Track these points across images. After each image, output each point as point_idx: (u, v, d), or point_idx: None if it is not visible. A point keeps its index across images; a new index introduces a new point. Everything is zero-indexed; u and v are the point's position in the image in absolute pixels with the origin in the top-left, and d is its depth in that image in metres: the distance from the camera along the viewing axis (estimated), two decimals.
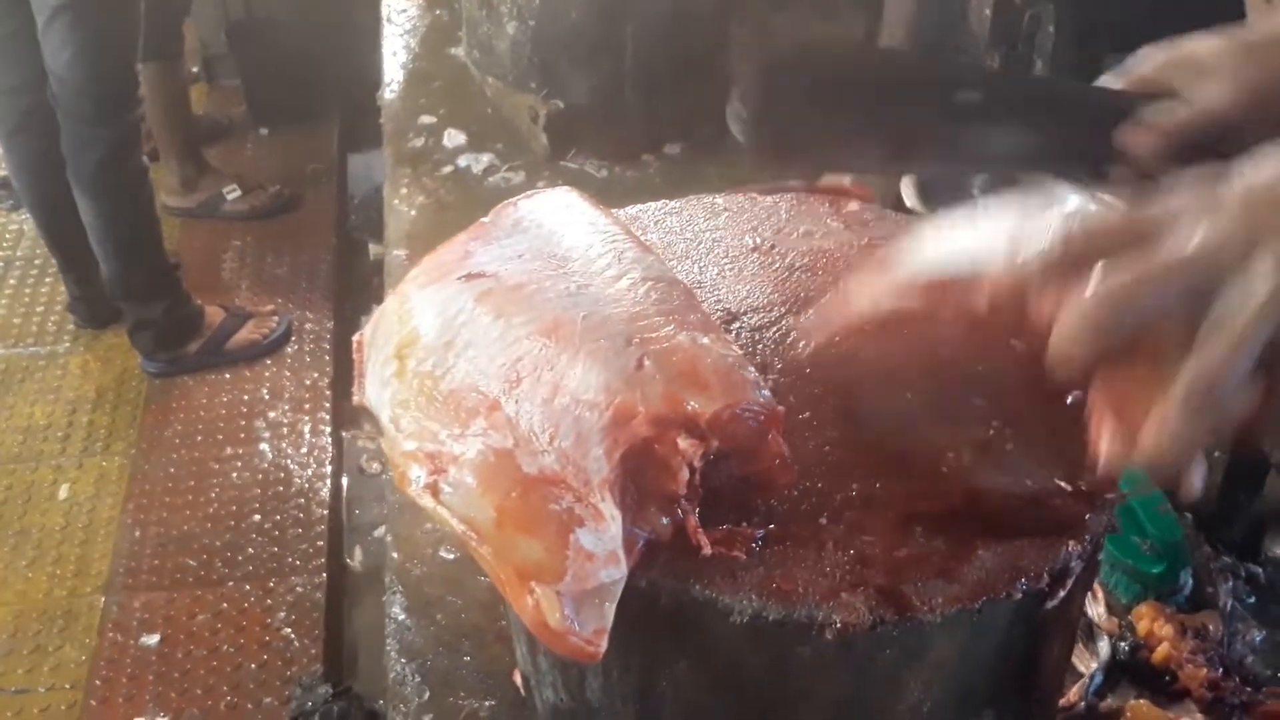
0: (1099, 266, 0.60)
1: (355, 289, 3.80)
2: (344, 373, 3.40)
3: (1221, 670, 1.18)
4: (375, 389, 0.78)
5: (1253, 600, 1.26)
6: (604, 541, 0.66)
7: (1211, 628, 1.23)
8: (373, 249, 3.85)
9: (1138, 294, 0.59)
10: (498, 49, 2.14)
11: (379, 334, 0.80)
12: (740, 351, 0.73)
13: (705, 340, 0.72)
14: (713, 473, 0.71)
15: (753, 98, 0.85)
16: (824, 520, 0.73)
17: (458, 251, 0.82)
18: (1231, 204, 0.59)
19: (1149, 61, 0.87)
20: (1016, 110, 0.89)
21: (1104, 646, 1.23)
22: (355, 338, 0.84)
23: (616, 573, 0.66)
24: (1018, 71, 1.65)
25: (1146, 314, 0.59)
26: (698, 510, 0.70)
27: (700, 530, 0.69)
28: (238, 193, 4.01)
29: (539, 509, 0.66)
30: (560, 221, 0.83)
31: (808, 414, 0.79)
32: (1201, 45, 0.84)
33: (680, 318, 0.73)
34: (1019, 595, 0.69)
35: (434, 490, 0.68)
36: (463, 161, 2.13)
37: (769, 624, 0.68)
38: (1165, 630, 1.22)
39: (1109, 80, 0.90)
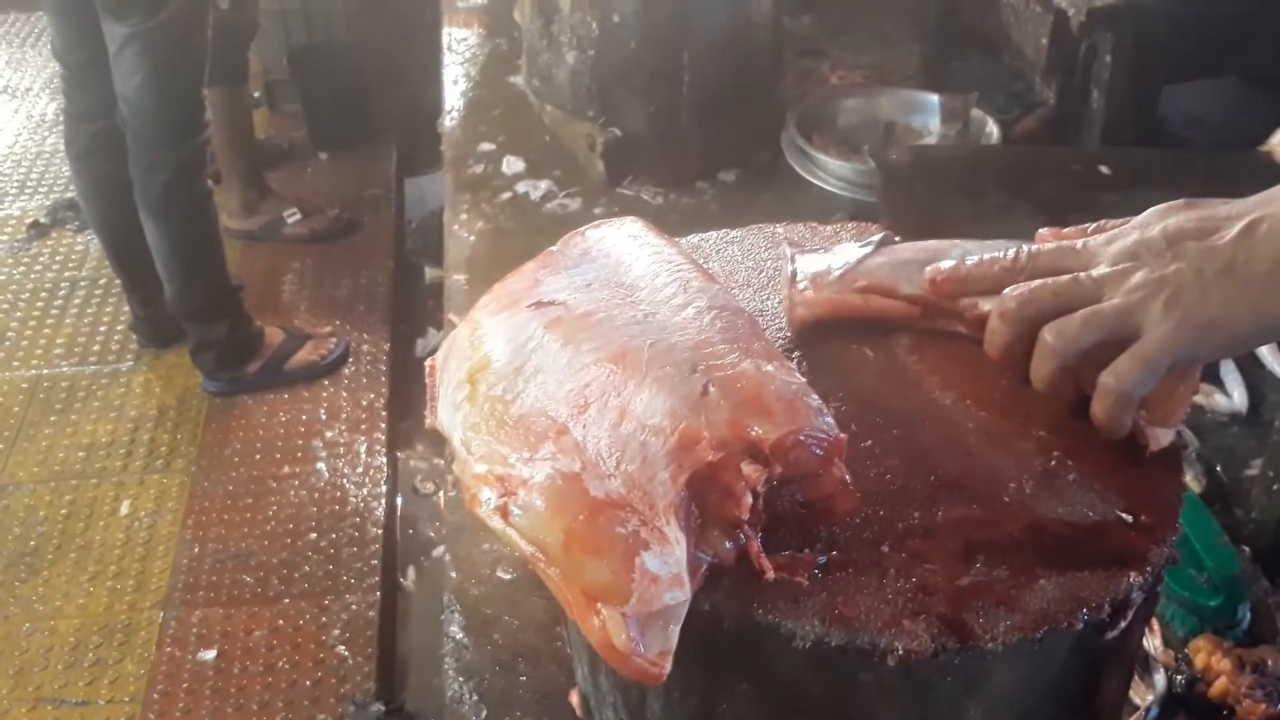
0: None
1: (412, 312, 3.85)
2: (400, 394, 3.45)
3: None
4: (447, 412, 0.80)
5: None
6: (669, 564, 0.67)
7: (1270, 662, 1.22)
8: (429, 272, 3.90)
9: (1039, 296, 0.79)
10: (557, 78, 2.17)
11: (451, 359, 0.82)
12: (803, 379, 0.74)
13: (769, 368, 0.73)
14: (776, 498, 0.72)
15: (887, 191, 0.90)
16: (886, 548, 0.74)
17: (527, 280, 0.84)
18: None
19: None
20: (1150, 176, 0.92)
21: (1160, 679, 1.22)
22: (428, 362, 0.86)
23: (681, 595, 0.67)
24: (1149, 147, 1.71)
25: (1044, 310, 0.79)
26: (760, 535, 0.71)
27: (763, 555, 0.70)
28: (298, 216, 4.08)
29: (606, 532, 0.67)
30: (627, 251, 0.85)
31: (870, 442, 0.80)
32: None
33: (745, 345, 0.75)
34: (1080, 626, 0.69)
35: (504, 512, 0.70)
36: (521, 188, 2.16)
37: (831, 650, 0.69)
38: (1223, 664, 1.21)
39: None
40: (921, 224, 0.93)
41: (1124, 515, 0.75)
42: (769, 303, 0.95)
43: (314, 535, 3.00)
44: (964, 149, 1.50)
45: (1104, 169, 0.94)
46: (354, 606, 2.81)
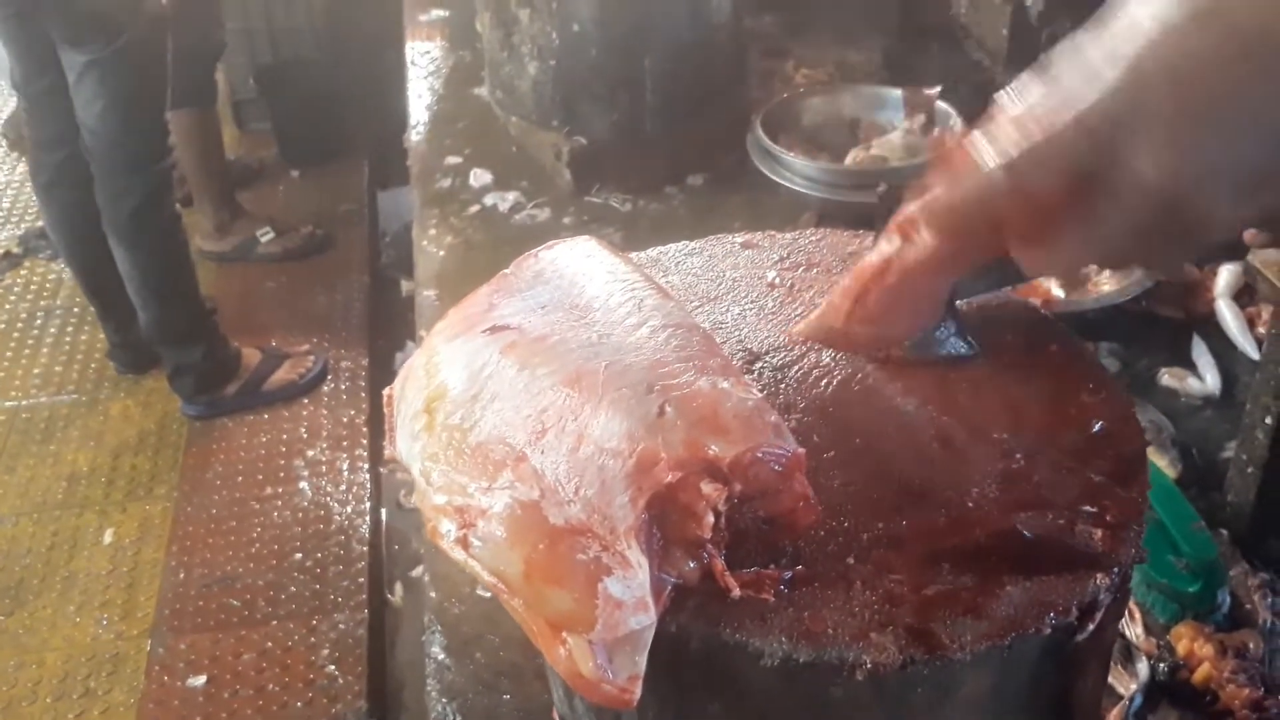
0: None
1: (389, 325, 3.84)
2: (380, 409, 3.42)
3: (1263, 689, 1.17)
4: (406, 442, 0.79)
5: None
6: (632, 589, 0.66)
7: (1252, 646, 1.22)
8: (405, 285, 3.89)
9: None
10: (520, 89, 2.16)
11: (408, 388, 0.82)
12: (761, 394, 0.74)
13: (725, 385, 0.73)
14: (738, 516, 0.71)
15: None
16: (851, 560, 0.73)
17: (481, 304, 0.84)
18: None
19: None
20: None
21: (1143, 668, 1.22)
22: (385, 391, 0.85)
23: (646, 619, 0.67)
24: None
25: None
26: (724, 554, 0.70)
27: (727, 573, 0.70)
28: (271, 235, 4.07)
29: (567, 559, 0.66)
30: (581, 271, 0.84)
31: (832, 453, 0.80)
32: None
33: (700, 363, 0.74)
34: (1048, 630, 0.69)
35: (464, 544, 0.69)
36: (489, 200, 2.15)
37: (800, 666, 0.69)
38: (1205, 650, 1.21)
39: None
40: None
41: (1088, 516, 0.75)
42: (729, 315, 0.94)
43: (299, 555, 2.99)
44: None
45: None
46: (342, 625, 2.80)
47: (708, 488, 0.68)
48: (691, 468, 0.68)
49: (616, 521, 0.67)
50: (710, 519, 0.68)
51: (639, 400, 0.71)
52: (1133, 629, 1.25)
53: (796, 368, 0.88)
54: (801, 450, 0.70)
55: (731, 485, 0.69)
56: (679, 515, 0.69)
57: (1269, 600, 1.28)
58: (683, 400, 0.71)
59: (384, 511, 3.18)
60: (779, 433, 0.70)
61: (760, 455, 0.69)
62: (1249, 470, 1.35)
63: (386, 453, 0.82)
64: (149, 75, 2.91)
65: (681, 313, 0.80)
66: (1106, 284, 1.66)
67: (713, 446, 0.69)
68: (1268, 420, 1.31)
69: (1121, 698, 1.20)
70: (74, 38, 2.78)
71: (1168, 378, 1.61)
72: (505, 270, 0.87)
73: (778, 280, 0.98)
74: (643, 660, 0.67)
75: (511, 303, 0.82)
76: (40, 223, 4.11)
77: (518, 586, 0.67)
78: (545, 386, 0.74)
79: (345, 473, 3.24)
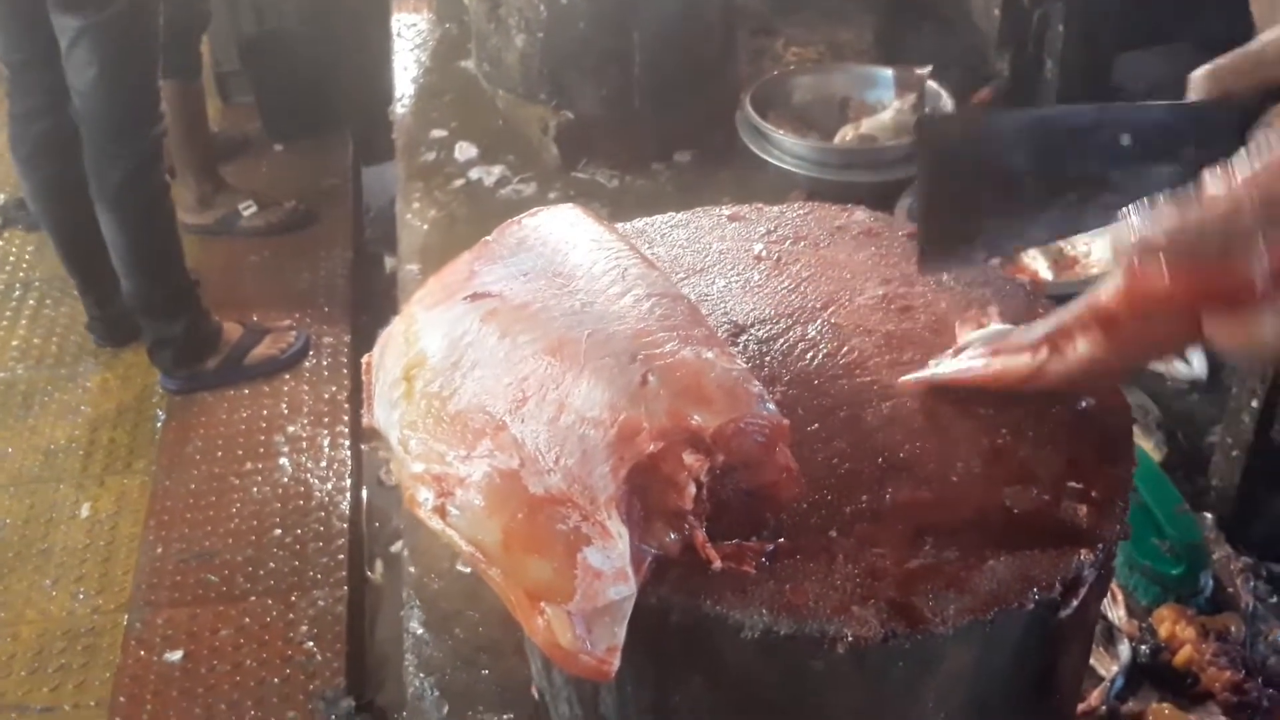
0: None
1: (372, 302, 3.81)
2: (362, 386, 3.41)
3: (1244, 672, 1.17)
4: (384, 411, 0.78)
5: (1275, 600, 1.25)
6: (612, 559, 0.66)
7: (1233, 629, 1.22)
8: (388, 261, 3.86)
9: None
10: (507, 61, 2.14)
11: (387, 355, 0.80)
12: (745, 365, 0.73)
13: (709, 355, 0.72)
14: (720, 487, 0.70)
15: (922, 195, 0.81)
16: (834, 533, 0.72)
17: (463, 271, 0.82)
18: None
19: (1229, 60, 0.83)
20: (1163, 143, 0.84)
21: (1125, 649, 1.22)
22: (364, 359, 0.84)
23: (626, 590, 0.66)
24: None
25: None
26: (706, 525, 0.70)
27: (709, 545, 0.69)
28: (254, 209, 4.03)
29: (546, 529, 0.65)
30: (564, 239, 0.83)
31: (816, 425, 0.79)
32: None
33: (684, 333, 0.73)
34: (1031, 605, 0.68)
35: (442, 512, 0.68)
36: (474, 174, 2.13)
37: (780, 639, 0.68)
38: (1187, 632, 1.21)
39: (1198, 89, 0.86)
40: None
41: (1074, 492, 0.74)
42: (714, 287, 0.93)
43: (279, 531, 2.97)
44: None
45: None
46: (321, 602, 2.78)
47: (690, 458, 0.67)
48: (674, 438, 0.67)
49: (597, 491, 0.66)
50: (692, 490, 0.68)
51: (621, 369, 0.70)
52: (1115, 611, 1.25)
53: (782, 340, 0.87)
54: (785, 421, 0.69)
55: (714, 456, 0.68)
56: (660, 486, 0.68)
57: (1251, 584, 1.28)
58: (666, 370, 0.70)
59: (365, 489, 3.16)
60: (763, 404, 0.69)
61: (743, 426, 0.68)
62: (1234, 454, 1.35)
63: (364, 421, 0.81)
64: (142, 42, 2.87)
65: (666, 282, 0.79)
66: (1094, 265, 1.65)
67: (696, 416, 0.68)
68: (1253, 404, 1.31)
69: (1103, 679, 1.19)
70: (67, 3, 2.74)
71: None
72: (487, 237, 0.86)
73: (764, 253, 0.97)
74: (622, 631, 0.66)
75: (493, 270, 0.81)
76: (19, 193, 4.07)
77: (496, 556, 0.66)
78: (526, 354, 0.73)
79: (326, 449, 3.22)
